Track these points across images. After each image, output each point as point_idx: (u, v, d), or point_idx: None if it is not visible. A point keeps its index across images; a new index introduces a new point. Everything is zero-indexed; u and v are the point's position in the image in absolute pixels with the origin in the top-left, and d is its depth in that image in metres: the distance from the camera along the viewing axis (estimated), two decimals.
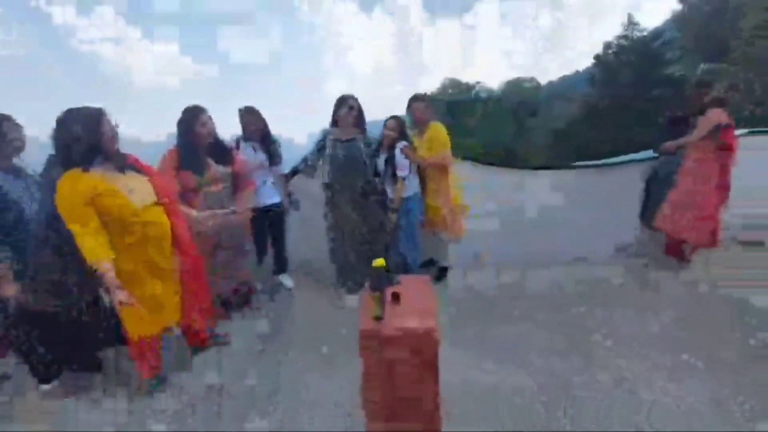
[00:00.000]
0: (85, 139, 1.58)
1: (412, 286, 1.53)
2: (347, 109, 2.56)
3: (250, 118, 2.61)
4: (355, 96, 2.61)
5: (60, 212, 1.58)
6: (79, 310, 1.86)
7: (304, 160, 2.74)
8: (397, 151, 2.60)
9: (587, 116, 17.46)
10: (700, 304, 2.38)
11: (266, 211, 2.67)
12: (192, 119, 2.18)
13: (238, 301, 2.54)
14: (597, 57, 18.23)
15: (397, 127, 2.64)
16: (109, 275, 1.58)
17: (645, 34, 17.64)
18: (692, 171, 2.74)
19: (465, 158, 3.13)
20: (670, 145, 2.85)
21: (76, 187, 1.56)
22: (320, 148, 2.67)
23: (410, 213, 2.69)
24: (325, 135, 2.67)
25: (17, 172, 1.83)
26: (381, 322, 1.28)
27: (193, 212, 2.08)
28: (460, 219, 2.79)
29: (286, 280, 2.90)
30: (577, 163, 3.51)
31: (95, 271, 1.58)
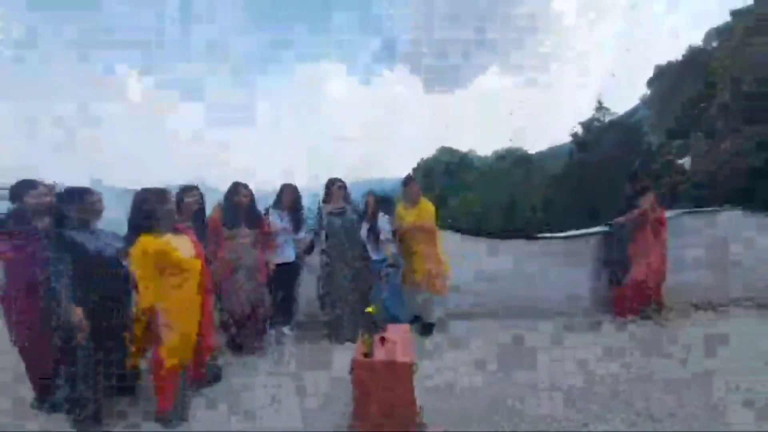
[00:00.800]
0: (158, 212, 2.23)
1: (396, 332, 2.08)
2: (337, 188, 3.34)
3: (287, 190, 3.32)
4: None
5: (133, 266, 2.14)
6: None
7: (315, 233, 3.40)
8: (381, 220, 3.30)
9: (568, 185, 19.05)
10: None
11: (286, 266, 3.24)
12: (234, 190, 2.97)
13: (248, 342, 3.02)
14: (574, 135, 20.35)
15: (376, 201, 3.38)
16: (161, 315, 2.14)
17: (615, 117, 19.93)
18: (649, 241, 3.42)
19: (444, 227, 3.80)
20: (619, 220, 3.57)
21: (149, 248, 2.13)
22: (320, 220, 3.34)
23: (395, 273, 3.29)
24: (321, 210, 3.37)
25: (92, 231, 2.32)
26: (370, 356, 1.80)
27: None
28: (445, 279, 3.35)
29: (287, 330, 3.36)
30: (542, 234, 4.22)
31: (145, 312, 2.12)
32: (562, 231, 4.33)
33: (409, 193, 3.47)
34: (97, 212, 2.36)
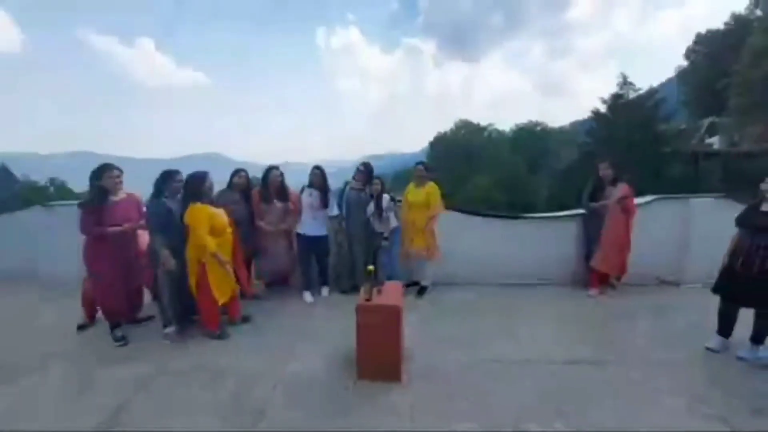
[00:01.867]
0: (202, 190, 2.99)
1: (390, 287, 2.76)
2: (359, 172, 4.05)
3: (317, 173, 3.98)
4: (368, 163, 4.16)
5: (191, 224, 2.90)
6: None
7: (339, 206, 4.06)
8: (385, 201, 3.92)
9: (586, 163, 18.85)
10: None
11: (316, 240, 3.92)
12: (267, 174, 3.79)
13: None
14: (595, 112, 19.88)
15: (381, 183, 3.99)
16: (220, 255, 2.94)
17: (640, 93, 19.25)
18: (611, 226, 3.85)
19: (449, 208, 4.36)
20: (594, 205, 3.96)
21: (202, 212, 2.92)
22: (341, 194, 4.05)
23: (395, 241, 4.03)
24: (346, 184, 4.11)
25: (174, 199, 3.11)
26: (370, 301, 2.50)
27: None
28: (437, 248, 4.00)
29: (324, 291, 4.08)
30: (527, 215, 4.78)
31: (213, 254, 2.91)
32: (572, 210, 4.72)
33: (416, 176, 4.07)
34: (179, 189, 3.11)
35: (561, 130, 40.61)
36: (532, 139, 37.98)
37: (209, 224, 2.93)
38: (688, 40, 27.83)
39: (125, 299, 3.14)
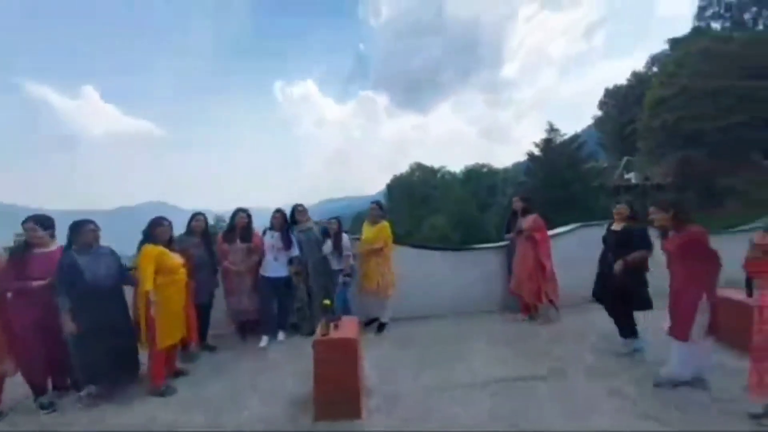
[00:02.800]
0: (155, 233, 2.94)
1: (346, 322, 2.78)
2: (299, 213, 4.19)
3: (277, 215, 3.99)
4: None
5: (138, 265, 2.80)
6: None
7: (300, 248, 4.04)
8: (344, 239, 4.03)
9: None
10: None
11: (277, 281, 3.85)
12: (235, 215, 3.92)
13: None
14: (529, 154, 22.27)
15: (338, 224, 4.09)
16: (151, 297, 2.75)
17: (565, 138, 22.07)
18: (518, 254, 4.20)
19: (397, 243, 4.57)
20: (510, 235, 4.32)
21: (151, 252, 2.84)
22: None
23: (351, 282, 4.10)
24: (293, 229, 4.12)
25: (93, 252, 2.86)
26: (327, 336, 2.49)
27: None
28: (392, 285, 4.10)
29: (281, 335, 3.93)
30: (473, 245, 5.15)
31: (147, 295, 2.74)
32: None
33: (370, 215, 4.25)
34: (91, 240, 2.87)
35: (505, 171, 44.24)
36: (480, 178, 40.89)
37: (156, 263, 2.83)
38: (600, 95, 32.87)
39: (51, 361, 2.80)
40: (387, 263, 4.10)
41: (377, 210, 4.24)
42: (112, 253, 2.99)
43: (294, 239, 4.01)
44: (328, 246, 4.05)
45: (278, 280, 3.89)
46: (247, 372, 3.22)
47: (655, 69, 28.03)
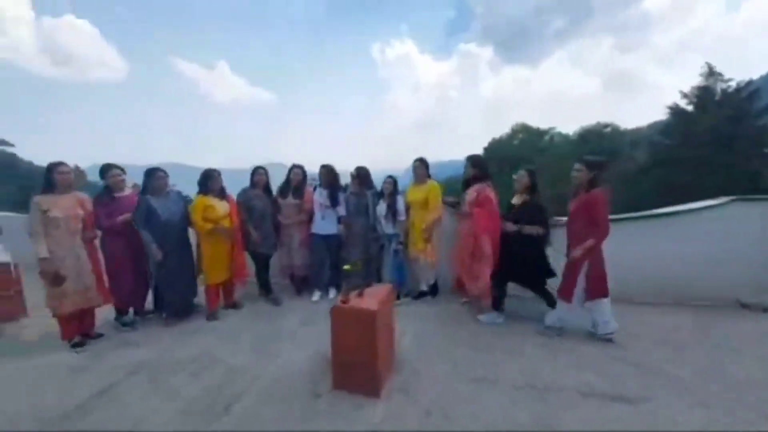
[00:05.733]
0: (209, 183, 3.30)
1: (378, 289, 2.53)
2: (352, 178, 3.97)
3: (324, 171, 3.91)
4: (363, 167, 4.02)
5: (192, 213, 3.26)
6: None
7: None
8: (399, 202, 3.72)
9: (660, 165, 16.48)
10: None
11: (326, 238, 3.88)
12: (290, 171, 3.98)
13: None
14: (672, 107, 17.30)
15: (393, 184, 3.80)
16: (218, 227, 3.30)
17: (730, 84, 16.31)
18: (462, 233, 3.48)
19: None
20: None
21: (199, 202, 3.26)
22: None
23: (404, 249, 3.82)
24: (347, 190, 4.00)
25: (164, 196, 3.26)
26: (346, 303, 2.29)
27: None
28: (434, 251, 3.71)
29: (332, 292, 4.01)
30: None
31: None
32: None
33: (415, 174, 3.80)
34: (162, 186, 3.26)
35: (636, 131, 36.49)
36: (601, 141, 34.57)
37: (202, 213, 3.27)
38: None
39: (134, 287, 3.33)
40: (432, 230, 3.64)
41: (421, 168, 3.76)
42: (181, 197, 3.39)
43: (341, 199, 3.87)
44: (382, 207, 3.81)
45: (329, 238, 3.86)
46: (293, 321, 3.39)
47: None
